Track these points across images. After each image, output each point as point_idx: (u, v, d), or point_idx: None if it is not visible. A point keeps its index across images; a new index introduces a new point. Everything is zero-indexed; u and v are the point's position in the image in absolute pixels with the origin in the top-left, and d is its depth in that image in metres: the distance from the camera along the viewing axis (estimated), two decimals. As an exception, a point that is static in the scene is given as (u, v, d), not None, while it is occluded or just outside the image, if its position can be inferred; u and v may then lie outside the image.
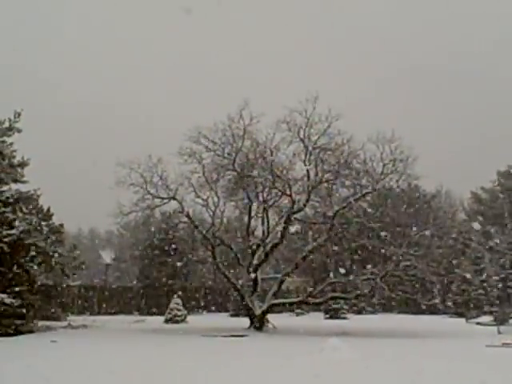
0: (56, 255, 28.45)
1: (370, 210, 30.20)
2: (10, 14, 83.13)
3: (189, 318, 37.57)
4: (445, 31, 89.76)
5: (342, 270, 31.20)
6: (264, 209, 31.10)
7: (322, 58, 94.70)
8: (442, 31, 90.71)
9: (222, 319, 41.78)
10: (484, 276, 48.42)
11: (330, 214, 29.17)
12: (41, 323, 29.46)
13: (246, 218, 31.90)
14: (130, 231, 61.36)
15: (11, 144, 29.41)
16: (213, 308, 52.29)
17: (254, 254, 31.05)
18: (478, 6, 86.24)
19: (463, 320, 41.49)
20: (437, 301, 51.42)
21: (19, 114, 29.05)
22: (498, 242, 53.47)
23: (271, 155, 29.60)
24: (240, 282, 31.46)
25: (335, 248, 30.68)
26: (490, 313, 40.49)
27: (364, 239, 29.23)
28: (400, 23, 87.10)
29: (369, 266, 30.59)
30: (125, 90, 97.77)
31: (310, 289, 31.97)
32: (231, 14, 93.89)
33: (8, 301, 25.71)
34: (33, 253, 27.71)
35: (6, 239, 26.49)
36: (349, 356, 16.51)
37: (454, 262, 50.60)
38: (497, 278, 49.30)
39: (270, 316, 31.21)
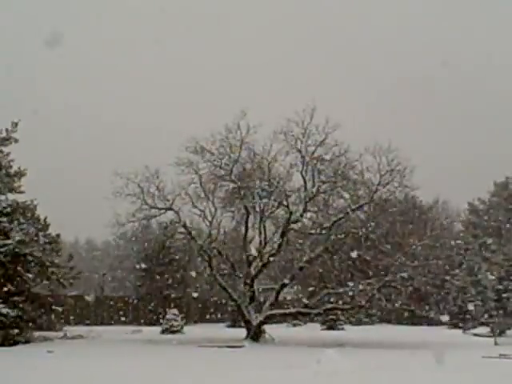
0: (53, 266, 28.46)
1: (366, 221, 30.14)
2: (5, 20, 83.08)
3: (185, 328, 37.51)
4: (445, 43, 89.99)
5: (339, 281, 31.16)
6: (261, 219, 31.09)
7: (320, 68, 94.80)
8: (443, 43, 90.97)
9: (219, 330, 41.68)
10: (480, 287, 48.43)
11: (327, 224, 29.19)
12: (37, 333, 29.36)
13: (243, 229, 31.86)
14: (127, 241, 61.22)
15: (8, 154, 29.46)
16: (209, 318, 52.19)
17: (250, 264, 31.02)
18: (479, 17, 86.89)
19: (460, 331, 41.47)
20: (434, 312, 51.35)
21: (16, 124, 29.12)
22: (494, 252, 53.50)
23: (268, 166, 29.66)
24: (237, 292, 31.43)
25: (332, 259, 30.63)
26: (487, 324, 40.44)
27: (361, 250, 29.18)
28: (399, 34, 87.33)
29: (366, 277, 30.53)
30: (121, 101, 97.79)
31: (306, 301, 31.87)
32: (229, 23, 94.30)
33: (4, 311, 25.67)
34: (29, 263, 27.69)
35: (2, 249, 26.47)
36: (346, 367, 16.46)
37: (451, 272, 50.58)
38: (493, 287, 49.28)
39: (266, 327, 31.14)
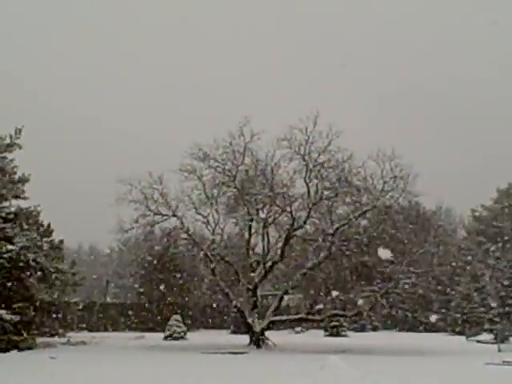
0: (56, 272, 28.47)
1: (370, 228, 30.11)
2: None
3: (188, 334, 37.47)
4: (445, 53, 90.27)
5: (342, 288, 31.11)
6: (264, 226, 31.06)
7: (324, 75, 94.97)
8: (443, 53, 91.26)
9: (222, 336, 41.62)
10: (484, 294, 48.33)
11: (331, 231, 29.14)
12: (40, 339, 29.34)
13: (246, 235, 31.85)
14: (130, 248, 61.12)
15: (12, 160, 29.52)
16: (212, 325, 52.14)
17: (254, 270, 30.99)
18: (479, 24, 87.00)
19: (463, 338, 41.36)
20: (437, 318, 51.26)
21: (20, 131, 29.19)
22: (498, 259, 53.39)
23: (272, 172, 29.64)
24: (240, 298, 31.38)
25: (335, 265, 30.57)
26: (490, 331, 40.35)
27: (364, 256, 29.14)
28: (401, 40, 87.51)
29: (369, 284, 30.51)
30: (125, 107, 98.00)
31: (309, 308, 31.83)
32: (232, 30, 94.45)
33: (7, 317, 25.67)
34: (33, 269, 27.68)
35: (5, 255, 26.48)
36: (349, 374, 16.43)
37: (454, 279, 50.52)
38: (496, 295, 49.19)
39: (269, 333, 31.09)
